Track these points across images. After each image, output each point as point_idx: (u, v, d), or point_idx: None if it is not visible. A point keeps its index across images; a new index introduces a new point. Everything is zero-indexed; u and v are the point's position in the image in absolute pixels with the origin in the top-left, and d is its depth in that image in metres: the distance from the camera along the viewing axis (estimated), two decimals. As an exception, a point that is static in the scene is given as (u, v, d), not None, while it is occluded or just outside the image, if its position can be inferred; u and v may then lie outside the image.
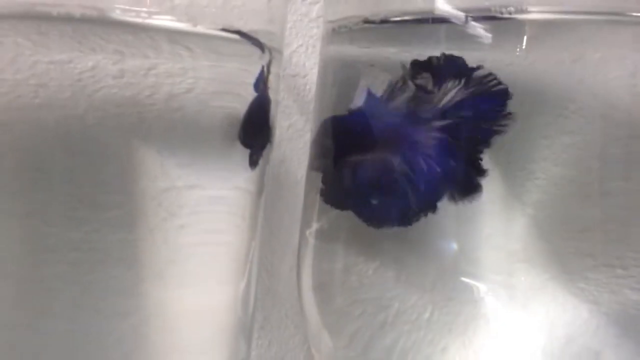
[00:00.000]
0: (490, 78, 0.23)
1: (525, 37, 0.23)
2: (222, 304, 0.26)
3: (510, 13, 0.23)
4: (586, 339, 0.23)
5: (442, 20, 0.24)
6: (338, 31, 0.27)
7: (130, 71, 0.22)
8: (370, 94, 0.25)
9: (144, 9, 0.22)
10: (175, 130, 0.23)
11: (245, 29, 0.25)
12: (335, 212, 0.27)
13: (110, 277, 0.23)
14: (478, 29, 0.23)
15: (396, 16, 0.25)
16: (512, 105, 0.23)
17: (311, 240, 0.28)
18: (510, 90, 0.23)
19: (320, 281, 0.28)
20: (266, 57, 0.26)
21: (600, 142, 0.23)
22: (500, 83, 0.23)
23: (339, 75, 0.27)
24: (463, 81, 0.24)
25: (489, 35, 0.23)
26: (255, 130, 0.26)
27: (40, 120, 0.22)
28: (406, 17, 0.25)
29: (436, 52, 0.24)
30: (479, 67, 0.23)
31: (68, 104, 0.22)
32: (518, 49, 0.23)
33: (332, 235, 0.27)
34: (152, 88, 0.23)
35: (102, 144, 0.23)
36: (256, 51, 0.26)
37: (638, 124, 0.23)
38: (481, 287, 0.24)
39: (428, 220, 0.24)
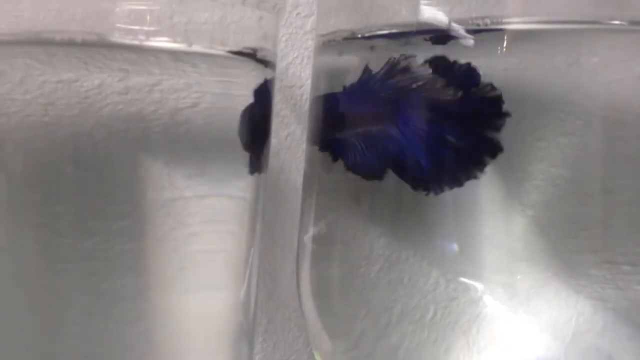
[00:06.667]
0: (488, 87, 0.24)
1: (519, 43, 0.24)
2: (223, 310, 0.27)
3: (486, 25, 0.23)
4: (593, 337, 0.23)
5: (427, 31, 0.24)
6: (328, 44, 0.28)
7: (135, 88, 0.23)
8: (367, 70, 0.25)
9: (143, 30, 0.23)
10: (182, 143, 0.24)
11: (239, 47, 0.25)
12: (332, 216, 0.28)
13: (121, 285, 0.24)
14: (461, 31, 0.24)
15: (383, 29, 0.26)
16: (508, 108, 0.23)
17: (309, 245, 0.28)
18: (505, 94, 0.23)
19: (319, 285, 0.28)
20: (268, 71, 0.27)
21: (602, 142, 0.24)
22: (494, 89, 0.24)
23: (329, 84, 0.28)
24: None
25: (471, 39, 0.24)
26: (255, 132, 0.27)
27: (50, 137, 0.22)
28: (392, 30, 0.26)
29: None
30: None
31: (76, 121, 0.22)
32: (512, 55, 0.24)
33: (330, 239, 0.28)
34: (157, 104, 0.23)
35: (110, 158, 0.23)
36: (254, 65, 0.26)
37: None
38: (483, 287, 0.24)
39: (428, 221, 0.25)
